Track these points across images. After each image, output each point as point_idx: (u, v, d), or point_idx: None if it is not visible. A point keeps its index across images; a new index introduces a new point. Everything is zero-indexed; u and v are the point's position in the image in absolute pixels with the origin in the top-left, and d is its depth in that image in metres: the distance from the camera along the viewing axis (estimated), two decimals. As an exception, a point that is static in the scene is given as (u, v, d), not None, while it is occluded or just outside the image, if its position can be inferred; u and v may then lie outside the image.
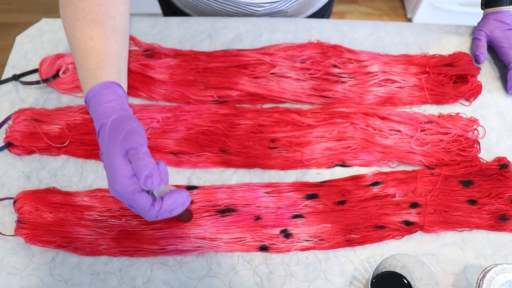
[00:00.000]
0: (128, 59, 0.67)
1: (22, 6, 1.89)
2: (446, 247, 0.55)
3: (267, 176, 0.60)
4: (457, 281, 0.53)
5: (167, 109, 0.63)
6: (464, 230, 0.56)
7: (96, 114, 0.49)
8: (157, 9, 0.96)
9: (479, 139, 0.63)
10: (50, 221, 0.54)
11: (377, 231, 0.55)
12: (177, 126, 0.62)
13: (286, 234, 0.55)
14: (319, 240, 0.55)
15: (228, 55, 0.68)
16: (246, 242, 0.54)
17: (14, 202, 0.56)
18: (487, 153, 0.62)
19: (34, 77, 0.67)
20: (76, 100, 0.65)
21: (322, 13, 0.87)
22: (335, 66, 0.67)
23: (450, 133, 0.62)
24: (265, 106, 0.65)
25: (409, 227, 0.55)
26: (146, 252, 0.54)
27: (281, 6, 0.74)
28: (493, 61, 0.71)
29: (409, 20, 1.82)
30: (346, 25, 0.74)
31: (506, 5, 0.68)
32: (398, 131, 0.62)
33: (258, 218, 0.56)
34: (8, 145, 0.61)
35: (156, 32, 0.72)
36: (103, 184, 0.59)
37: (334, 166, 0.61)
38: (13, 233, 0.54)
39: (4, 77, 0.67)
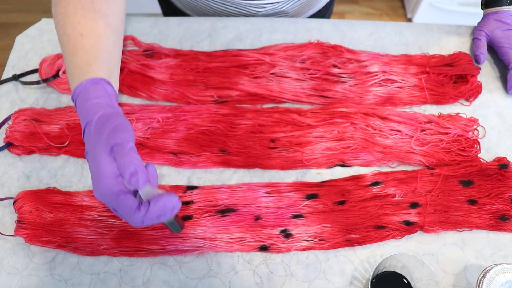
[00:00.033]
0: (128, 59, 0.67)
1: (22, 6, 1.89)
2: (446, 247, 0.55)
3: (267, 176, 0.60)
4: (457, 281, 0.53)
5: (167, 109, 0.63)
6: (464, 230, 0.56)
7: (83, 111, 0.46)
8: (157, 9, 0.96)
9: (479, 139, 0.63)
10: (50, 221, 0.54)
11: (377, 231, 0.55)
12: (177, 126, 0.62)
13: (286, 234, 0.55)
14: (319, 240, 0.55)
15: (228, 55, 0.68)
16: (246, 242, 0.54)
17: (14, 202, 0.56)
18: (487, 153, 0.62)
19: (34, 77, 0.67)
20: (76, 100, 0.65)
21: (323, 13, 0.87)
22: (335, 66, 0.67)
23: (450, 133, 0.62)
24: (265, 106, 0.65)
25: (409, 227, 0.55)
26: (146, 252, 0.54)
27: (282, 7, 0.74)
28: (493, 61, 0.71)
29: (409, 20, 1.82)
30: (346, 25, 0.74)
31: (506, 5, 0.68)
32: (398, 131, 0.62)
33: (258, 218, 0.56)
34: (8, 145, 0.61)
35: (156, 32, 0.72)
36: (103, 184, 0.59)
37: (334, 166, 0.61)
38: (13, 233, 0.54)
39: (4, 77, 0.67)
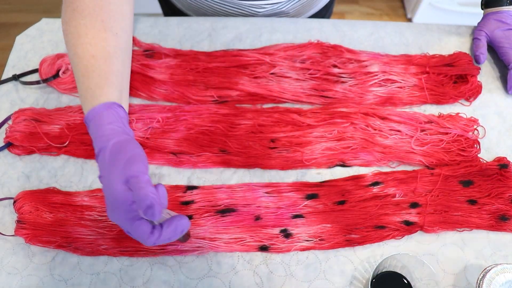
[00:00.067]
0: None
1: (22, 6, 1.89)
2: (446, 247, 0.55)
3: (267, 176, 0.60)
4: (457, 281, 0.53)
5: (167, 109, 0.63)
6: (464, 230, 0.56)
7: (96, 136, 0.48)
8: (157, 9, 0.96)
9: (479, 139, 0.63)
10: (50, 221, 0.54)
11: (377, 231, 0.55)
12: (177, 126, 0.62)
13: (286, 234, 0.55)
14: (319, 240, 0.55)
15: (228, 55, 0.68)
16: (246, 242, 0.54)
17: (14, 202, 0.56)
18: (487, 153, 0.62)
19: (34, 77, 0.67)
20: (76, 100, 0.65)
21: (323, 13, 0.87)
22: (335, 66, 0.67)
23: (450, 133, 0.62)
24: (265, 106, 0.65)
25: (409, 227, 0.55)
26: (146, 252, 0.54)
27: (283, 7, 0.74)
28: (493, 61, 0.71)
29: (409, 20, 1.82)
30: (346, 25, 0.74)
31: (506, 5, 0.68)
32: (398, 131, 0.62)
33: (258, 218, 0.56)
34: (8, 145, 0.61)
35: (156, 32, 0.72)
36: (103, 184, 0.59)
37: (334, 166, 0.61)
38: (13, 233, 0.54)
39: (4, 77, 0.67)
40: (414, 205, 0.57)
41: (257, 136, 0.61)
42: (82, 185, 0.59)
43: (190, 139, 0.61)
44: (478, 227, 0.56)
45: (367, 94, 0.65)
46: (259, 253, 0.54)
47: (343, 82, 0.66)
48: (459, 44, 0.72)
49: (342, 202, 0.57)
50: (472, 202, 0.57)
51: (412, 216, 0.56)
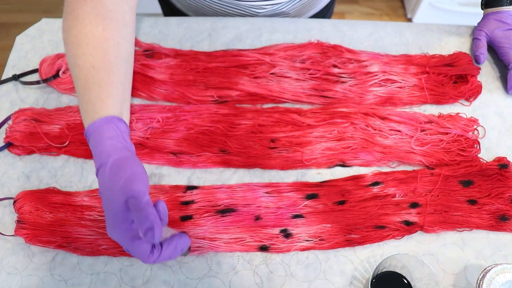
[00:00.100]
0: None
1: (22, 6, 1.89)
2: (446, 247, 0.55)
3: (267, 176, 0.60)
4: (457, 281, 0.53)
5: (167, 109, 0.63)
6: (464, 230, 0.56)
7: (96, 151, 0.48)
8: (157, 9, 0.96)
9: (479, 139, 0.63)
10: (50, 221, 0.54)
11: (377, 231, 0.55)
12: (177, 126, 0.62)
13: (286, 234, 0.55)
14: (319, 240, 0.55)
15: (228, 55, 0.68)
16: (246, 242, 0.54)
17: (14, 202, 0.56)
18: (487, 153, 0.62)
19: (34, 77, 0.67)
20: (76, 100, 0.65)
21: (324, 13, 0.87)
22: (335, 66, 0.67)
23: (450, 133, 0.62)
24: (265, 106, 0.65)
25: (409, 227, 0.55)
26: (146, 252, 0.54)
27: (283, 8, 0.74)
28: (493, 61, 0.71)
29: (409, 20, 1.82)
30: (346, 25, 0.74)
31: (506, 5, 0.68)
32: (398, 131, 0.62)
33: (258, 218, 0.56)
34: (8, 145, 0.61)
35: (156, 32, 0.72)
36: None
37: (334, 166, 0.61)
38: (13, 233, 0.54)
39: (4, 77, 0.67)
40: (414, 205, 0.57)
41: (257, 136, 0.61)
42: (82, 185, 0.59)
43: (190, 139, 0.61)
44: (478, 227, 0.56)
45: (367, 94, 0.65)
46: (259, 253, 0.54)
47: (343, 82, 0.66)
48: (459, 44, 0.72)
49: (342, 202, 0.57)
50: (472, 202, 0.57)
51: (412, 216, 0.56)
